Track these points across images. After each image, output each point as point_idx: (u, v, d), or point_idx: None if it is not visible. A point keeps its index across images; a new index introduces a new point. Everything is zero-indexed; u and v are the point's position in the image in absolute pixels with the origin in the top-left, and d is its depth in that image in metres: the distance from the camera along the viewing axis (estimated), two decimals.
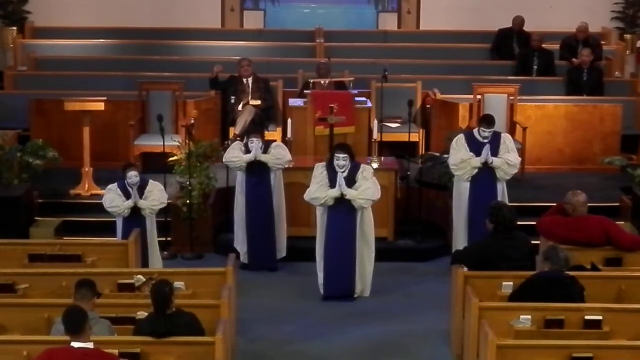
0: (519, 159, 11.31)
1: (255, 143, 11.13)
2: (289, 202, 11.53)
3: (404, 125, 13.37)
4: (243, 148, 11.25)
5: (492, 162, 11.00)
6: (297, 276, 11.19)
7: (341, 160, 10.40)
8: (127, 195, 10.36)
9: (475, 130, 11.24)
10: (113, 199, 10.39)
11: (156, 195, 10.46)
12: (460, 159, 11.07)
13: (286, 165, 11.29)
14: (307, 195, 10.54)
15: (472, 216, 10.96)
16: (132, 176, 10.36)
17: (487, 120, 11.21)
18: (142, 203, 10.38)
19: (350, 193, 10.37)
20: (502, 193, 11.05)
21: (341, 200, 10.40)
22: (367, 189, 10.38)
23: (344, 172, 10.42)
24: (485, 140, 11.08)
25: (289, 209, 11.57)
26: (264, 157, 11.15)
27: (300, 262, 11.36)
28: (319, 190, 10.45)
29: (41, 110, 13.66)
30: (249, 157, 11.15)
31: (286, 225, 11.54)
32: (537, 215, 10.20)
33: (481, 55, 16.14)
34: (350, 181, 10.42)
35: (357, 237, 10.50)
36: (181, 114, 13.66)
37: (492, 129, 11.09)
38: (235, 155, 11.22)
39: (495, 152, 11.05)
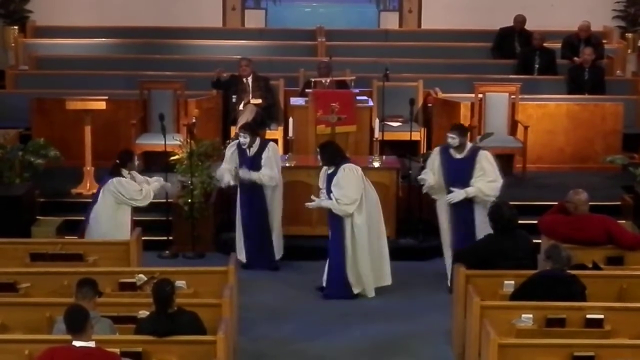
0: (496, 184, 10.34)
1: (242, 139, 11.09)
2: (291, 201, 11.51)
3: (406, 124, 13.37)
4: (236, 151, 11.21)
5: (467, 194, 10.33)
6: (299, 275, 11.19)
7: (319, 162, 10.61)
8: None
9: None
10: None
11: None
12: (426, 186, 10.60)
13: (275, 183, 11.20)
14: None
15: (456, 241, 10.51)
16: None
17: (453, 126, 10.55)
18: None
19: (325, 204, 10.51)
20: (481, 218, 10.27)
21: None
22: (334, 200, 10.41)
23: (330, 171, 10.50)
24: (458, 156, 10.38)
25: (290, 207, 11.55)
26: (254, 176, 11.10)
27: (302, 261, 11.37)
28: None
29: (43, 110, 13.66)
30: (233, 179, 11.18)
31: (288, 224, 11.53)
32: (539, 214, 10.19)
33: (482, 54, 16.14)
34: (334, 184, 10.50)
35: (348, 241, 10.52)
36: (183, 113, 13.65)
37: (456, 136, 10.31)
38: (226, 178, 11.18)
39: (470, 171, 10.38)
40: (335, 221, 10.50)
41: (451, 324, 9.47)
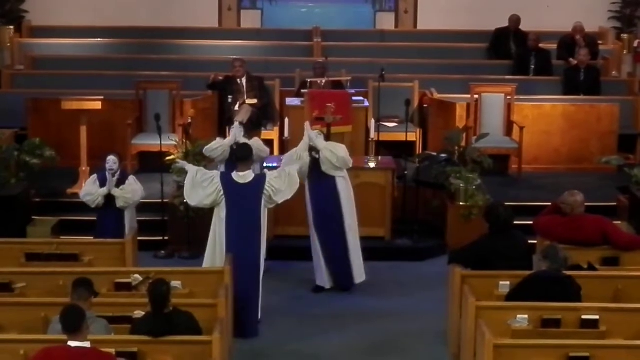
0: None
1: (237, 129, 11.11)
2: (285, 201, 11.45)
3: (402, 124, 13.36)
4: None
5: None
6: (293, 275, 11.19)
7: None
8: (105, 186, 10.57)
9: None
10: (89, 190, 10.57)
11: (132, 189, 10.58)
12: None
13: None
14: None
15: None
16: (111, 161, 10.51)
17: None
18: (115, 191, 10.48)
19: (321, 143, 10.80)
20: None
21: None
22: None
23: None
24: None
25: (285, 208, 11.47)
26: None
27: (296, 261, 11.36)
28: None
29: (38, 110, 13.66)
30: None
31: (282, 225, 11.57)
32: (534, 214, 10.19)
33: (478, 55, 16.15)
34: None
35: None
36: (178, 113, 13.66)
37: None
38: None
39: None
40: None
41: (447, 324, 9.47)
